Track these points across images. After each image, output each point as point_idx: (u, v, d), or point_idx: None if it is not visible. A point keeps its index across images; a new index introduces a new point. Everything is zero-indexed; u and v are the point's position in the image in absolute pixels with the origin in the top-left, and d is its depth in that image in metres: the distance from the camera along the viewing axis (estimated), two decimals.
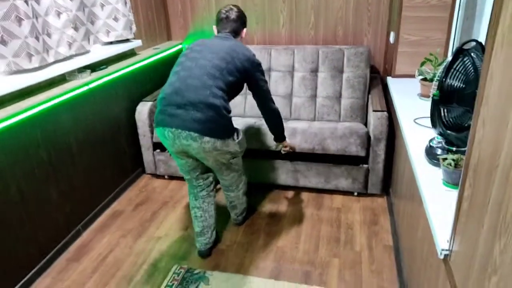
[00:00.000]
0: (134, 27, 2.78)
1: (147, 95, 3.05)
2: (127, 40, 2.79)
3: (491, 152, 0.83)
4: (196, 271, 2.07)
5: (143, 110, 2.82)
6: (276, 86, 2.95)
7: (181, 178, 2.96)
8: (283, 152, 2.37)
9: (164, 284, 2.00)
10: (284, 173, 2.68)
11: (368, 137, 2.49)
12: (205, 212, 2.15)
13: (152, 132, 2.86)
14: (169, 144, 1.91)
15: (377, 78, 3.02)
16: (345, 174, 2.57)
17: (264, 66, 2.90)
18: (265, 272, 2.05)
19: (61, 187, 2.26)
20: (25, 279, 2.01)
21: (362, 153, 2.46)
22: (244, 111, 3.03)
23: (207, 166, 2.10)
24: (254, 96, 2.09)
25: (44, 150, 2.12)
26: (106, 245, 2.32)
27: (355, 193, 2.67)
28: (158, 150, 2.90)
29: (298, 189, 2.78)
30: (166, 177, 3.00)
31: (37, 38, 2.02)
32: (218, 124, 1.84)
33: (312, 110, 2.87)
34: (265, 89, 2.08)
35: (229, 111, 1.89)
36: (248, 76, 1.99)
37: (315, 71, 2.88)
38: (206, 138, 1.82)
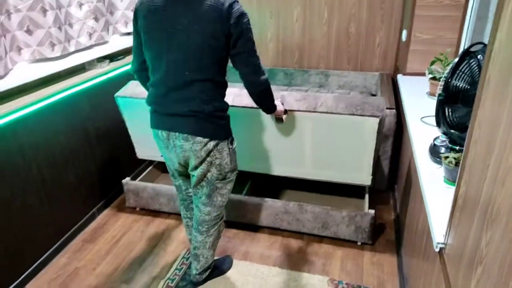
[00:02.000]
0: None
1: None
2: None
3: (484, 152, 0.88)
4: None
5: None
6: None
7: None
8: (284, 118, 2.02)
9: (174, 267, 2.10)
10: (273, 214, 2.31)
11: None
12: None
13: None
14: (162, 146, 1.71)
15: (388, 76, 3.05)
16: (346, 221, 2.20)
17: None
18: None
19: (79, 171, 2.36)
20: (43, 257, 2.13)
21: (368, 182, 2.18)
22: None
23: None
24: (237, 66, 1.60)
25: (64, 136, 2.23)
26: (120, 228, 2.43)
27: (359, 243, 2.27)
28: None
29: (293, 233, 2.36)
30: None
31: (59, 28, 2.11)
32: (212, 123, 1.60)
33: None
34: (253, 54, 1.58)
35: (224, 109, 1.64)
36: (229, 34, 1.50)
37: None
38: (198, 139, 1.60)
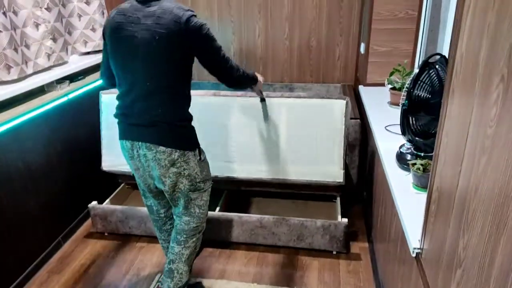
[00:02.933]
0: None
1: None
2: None
3: (454, 159, 0.93)
4: None
5: None
6: None
7: None
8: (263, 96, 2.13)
9: None
10: (249, 230, 2.30)
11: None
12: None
13: None
14: (128, 157, 1.71)
15: (349, 87, 3.16)
16: (320, 231, 2.22)
17: None
18: None
19: (40, 198, 2.24)
20: None
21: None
22: None
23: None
24: (211, 73, 1.66)
25: (22, 162, 2.11)
26: (88, 255, 2.32)
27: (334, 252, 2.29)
28: None
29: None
30: None
31: (15, 50, 2.02)
32: (175, 133, 1.61)
33: None
34: (222, 58, 1.62)
35: (188, 119, 1.66)
36: (192, 48, 1.55)
37: None
38: (161, 148, 1.59)
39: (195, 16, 1.53)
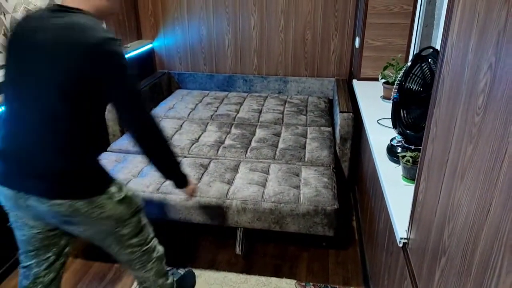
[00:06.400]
0: (104, 26, 2.77)
1: None
2: None
3: (442, 149, 0.93)
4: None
5: None
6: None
7: None
8: (239, 251, 2.01)
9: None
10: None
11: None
12: None
13: None
14: (11, 207, 1.33)
15: (343, 81, 3.16)
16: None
17: None
18: None
19: None
20: None
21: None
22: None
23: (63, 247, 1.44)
24: (120, 116, 1.32)
25: None
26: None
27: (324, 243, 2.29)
28: None
29: None
30: None
31: (4, 35, 1.99)
32: (74, 178, 1.24)
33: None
34: (135, 105, 1.26)
35: (92, 159, 1.30)
36: (102, 80, 1.18)
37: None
38: (56, 201, 1.22)
39: (113, 39, 1.17)
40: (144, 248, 1.47)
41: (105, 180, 1.33)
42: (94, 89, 1.18)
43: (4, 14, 2.00)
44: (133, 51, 3.17)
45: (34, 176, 1.24)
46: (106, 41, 1.15)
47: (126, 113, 1.28)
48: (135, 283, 1.94)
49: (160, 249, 1.57)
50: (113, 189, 1.32)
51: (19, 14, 2.09)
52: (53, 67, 1.15)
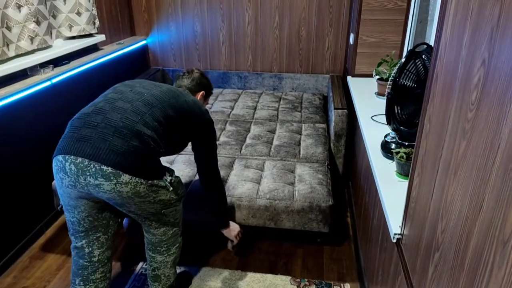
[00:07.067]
0: (97, 22, 2.75)
1: None
2: (90, 35, 2.75)
3: (435, 144, 0.94)
4: None
5: None
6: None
7: None
8: (230, 248, 2.03)
9: (132, 279, 2.02)
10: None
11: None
12: None
13: None
14: (68, 184, 1.38)
15: (338, 77, 3.16)
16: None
17: None
18: None
19: (24, 185, 2.20)
20: None
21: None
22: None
23: (109, 226, 1.57)
24: (198, 160, 1.72)
25: (6, 146, 2.07)
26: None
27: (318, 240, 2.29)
28: None
29: None
30: None
31: None
32: (144, 158, 1.39)
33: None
34: (213, 154, 1.72)
35: (160, 148, 1.48)
36: (194, 127, 1.63)
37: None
38: (125, 177, 1.34)
39: (207, 112, 1.69)
40: (174, 230, 1.65)
41: (164, 167, 1.53)
42: (185, 124, 1.60)
43: None
44: (127, 47, 3.15)
45: (114, 150, 1.34)
46: (203, 111, 1.69)
47: (204, 160, 1.72)
48: (139, 266, 1.94)
49: (181, 239, 1.73)
50: (167, 175, 1.51)
51: (10, 11, 2.07)
52: (163, 93, 1.57)
